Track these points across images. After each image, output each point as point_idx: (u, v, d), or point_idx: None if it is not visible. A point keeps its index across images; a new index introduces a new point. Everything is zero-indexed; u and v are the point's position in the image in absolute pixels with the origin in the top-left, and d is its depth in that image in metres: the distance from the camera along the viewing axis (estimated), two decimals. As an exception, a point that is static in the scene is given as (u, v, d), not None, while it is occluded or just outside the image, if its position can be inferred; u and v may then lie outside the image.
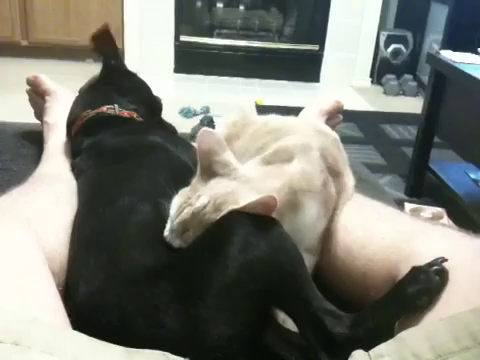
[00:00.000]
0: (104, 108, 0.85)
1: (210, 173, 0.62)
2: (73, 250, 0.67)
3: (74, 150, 0.85)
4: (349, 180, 0.77)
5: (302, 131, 0.78)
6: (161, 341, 0.53)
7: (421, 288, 0.52)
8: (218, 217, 0.58)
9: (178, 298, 0.54)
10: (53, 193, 0.75)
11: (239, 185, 0.61)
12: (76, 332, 0.51)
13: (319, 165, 0.69)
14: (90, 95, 0.91)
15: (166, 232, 0.62)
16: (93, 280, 0.59)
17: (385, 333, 0.51)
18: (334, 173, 0.72)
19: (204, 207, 0.59)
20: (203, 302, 0.53)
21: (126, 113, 0.85)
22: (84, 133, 0.83)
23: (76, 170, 0.80)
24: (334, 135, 0.84)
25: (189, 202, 0.60)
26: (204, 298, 0.53)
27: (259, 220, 0.57)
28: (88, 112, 0.85)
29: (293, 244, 0.57)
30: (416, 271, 0.54)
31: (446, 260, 0.54)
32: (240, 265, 0.53)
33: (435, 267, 0.53)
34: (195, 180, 0.64)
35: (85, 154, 0.81)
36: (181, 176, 0.68)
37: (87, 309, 0.58)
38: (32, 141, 1.07)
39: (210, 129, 0.63)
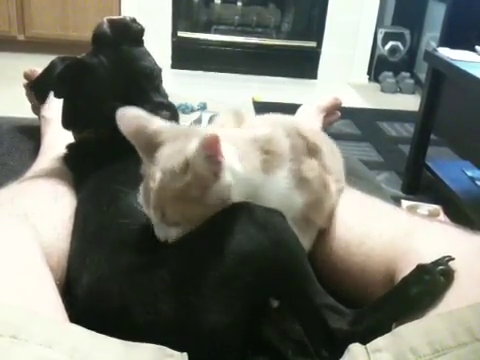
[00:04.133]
0: None
1: (151, 149, 0.59)
2: (77, 245, 0.67)
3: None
4: (335, 166, 0.73)
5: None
6: (158, 328, 0.54)
7: (425, 289, 0.52)
8: (186, 179, 0.54)
9: (175, 286, 0.55)
10: (51, 188, 0.75)
11: (183, 139, 0.58)
12: (74, 325, 0.51)
13: (285, 132, 0.66)
14: None
15: (156, 233, 0.59)
16: (97, 271, 0.60)
17: (385, 330, 0.50)
18: (311, 148, 0.69)
19: (162, 181, 0.56)
20: (199, 291, 0.54)
21: None
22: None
23: (76, 167, 0.80)
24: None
25: (149, 187, 0.57)
26: (200, 287, 0.54)
27: (261, 213, 0.57)
28: None
29: (295, 238, 0.57)
30: (421, 270, 0.54)
31: (452, 259, 0.53)
32: (237, 256, 0.54)
33: (441, 267, 0.52)
34: (144, 167, 0.60)
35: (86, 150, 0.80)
36: None
37: (89, 298, 0.59)
38: (29, 135, 1.07)
39: (125, 108, 0.59)
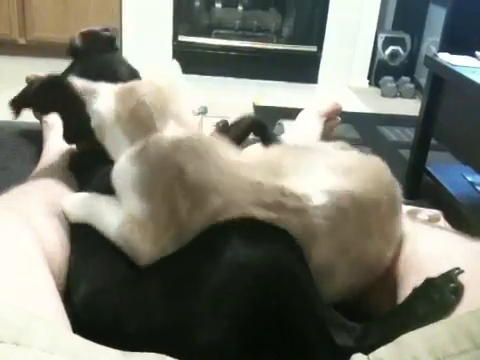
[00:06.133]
0: None
1: None
2: (77, 251, 0.67)
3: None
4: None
5: None
6: (152, 339, 0.54)
7: (435, 309, 0.51)
8: None
9: (169, 295, 0.54)
10: (53, 192, 0.75)
11: None
12: (75, 335, 0.51)
13: None
14: None
15: None
16: (94, 281, 0.60)
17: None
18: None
19: None
20: (193, 301, 0.53)
21: None
22: None
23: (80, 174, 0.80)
24: None
25: None
26: (194, 297, 0.54)
27: (257, 226, 0.56)
28: None
29: (296, 252, 0.56)
30: (431, 288, 0.53)
31: (461, 272, 0.52)
32: (231, 270, 0.53)
33: (452, 285, 0.51)
34: None
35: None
36: None
37: (85, 309, 0.59)
38: (31, 140, 1.07)
39: None
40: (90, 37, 0.82)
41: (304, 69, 3.82)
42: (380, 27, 3.84)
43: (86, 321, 0.58)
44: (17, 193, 0.74)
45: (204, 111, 2.91)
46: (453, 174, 2.01)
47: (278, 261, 0.54)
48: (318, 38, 3.78)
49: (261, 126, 0.87)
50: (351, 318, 0.58)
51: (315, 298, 0.56)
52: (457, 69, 1.78)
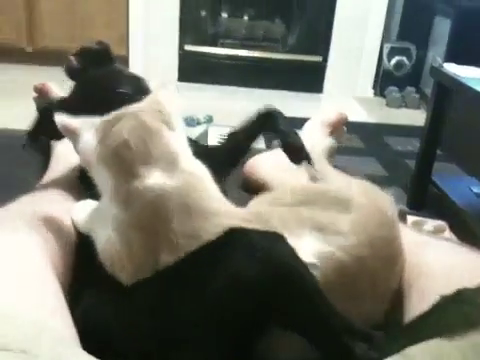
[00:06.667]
0: None
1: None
2: (80, 264, 0.67)
3: None
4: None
5: None
6: (146, 353, 0.53)
7: (463, 320, 0.48)
8: None
9: (159, 313, 0.53)
10: (63, 200, 0.76)
11: None
12: (80, 349, 0.51)
13: None
14: None
15: None
16: (93, 294, 0.60)
17: None
18: None
19: None
20: (184, 320, 0.52)
21: None
22: None
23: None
24: None
25: None
26: (184, 315, 0.52)
27: (252, 234, 0.55)
28: None
29: (294, 260, 0.53)
30: (460, 299, 0.51)
31: None
32: (222, 281, 0.52)
33: None
34: None
35: None
36: None
37: (85, 324, 0.58)
38: (40, 148, 1.08)
39: None
40: (84, 54, 0.82)
41: (309, 79, 3.83)
42: (385, 37, 3.85)
43: (87, 335, 0.57)
44: (27, 201, 0.75)
45: (210, 120, 2.92)
46: (459, 185, 2.01)
47: (277, 266, 0.52)
48: (323, 48, 3.80)
49: (271, 118, 0.83)
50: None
51: (323, 305, 0.52)
52: (463, 80, 1.79)
